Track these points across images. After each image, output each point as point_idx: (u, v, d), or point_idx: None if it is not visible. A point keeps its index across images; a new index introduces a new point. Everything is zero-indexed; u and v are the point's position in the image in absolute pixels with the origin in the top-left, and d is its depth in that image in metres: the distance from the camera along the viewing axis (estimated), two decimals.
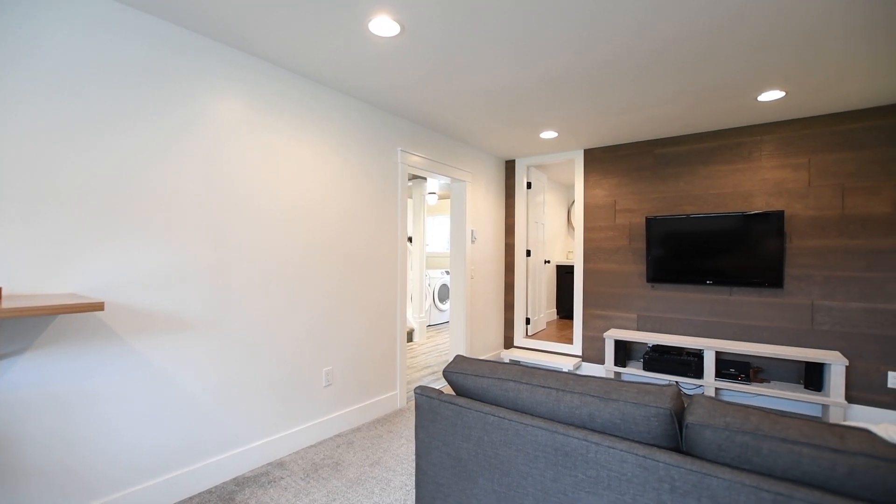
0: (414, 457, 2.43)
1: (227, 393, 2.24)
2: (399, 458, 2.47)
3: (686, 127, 3.56)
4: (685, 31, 2.03)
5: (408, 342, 5.60)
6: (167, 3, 1.83)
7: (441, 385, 3.86)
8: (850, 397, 3.13)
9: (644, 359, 3.65)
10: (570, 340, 4.90)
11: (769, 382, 3.33)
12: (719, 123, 3.46)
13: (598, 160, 4.23)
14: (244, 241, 2.31)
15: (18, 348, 1.59)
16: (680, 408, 1.11)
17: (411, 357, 4.87)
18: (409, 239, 7.92)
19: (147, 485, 1.93)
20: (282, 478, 2.26)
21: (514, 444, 1.27)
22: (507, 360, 4.46)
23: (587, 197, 4.30)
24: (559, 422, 1.23)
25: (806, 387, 3.17)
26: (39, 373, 1.65)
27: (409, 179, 5.98)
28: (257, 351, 2.38)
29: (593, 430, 1.17)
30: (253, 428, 2.36)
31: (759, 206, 3.46)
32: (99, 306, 1.43)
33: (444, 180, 4.07)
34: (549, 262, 5.64)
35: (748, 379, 3.31)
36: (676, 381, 3.55)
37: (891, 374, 3.00)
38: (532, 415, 1.29)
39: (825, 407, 3.10)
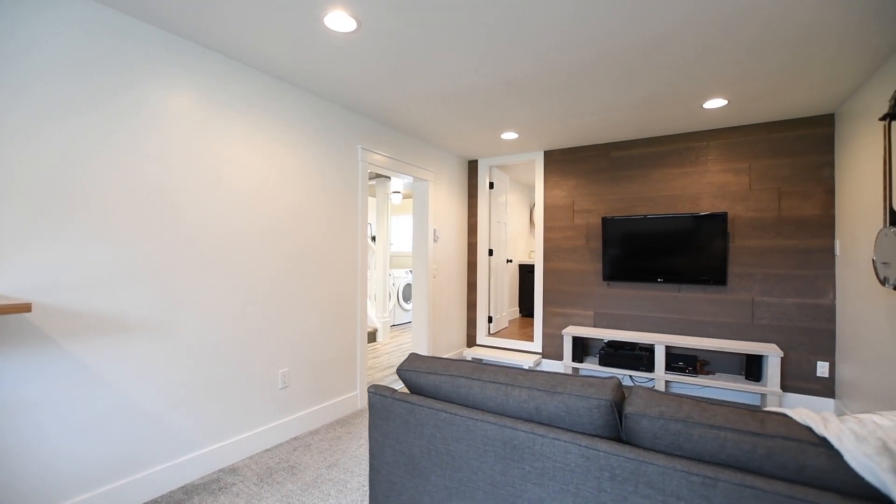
0: None
1: (174, 397, 2.15)
2: (358, 459, 2.45)
3: (640, 132, 3.71)
4: (631, 40, 2.12)
5: (371, 342, 5.55)
6: None
7: (402, 385, 3.84)
8: (785, 386, 3.36)
9: (600, 354, 3.78)
10: (531, 338, 5.00)
11: (714, 374, 3.52)
12: (670, 129, 3.63)
13: (558, 162, 4.34)
14: (194, 240, 2.22)
15: None
16: (620, 399, 1.15)
17: (374, 357, 4.83)
18: (373, 238, 7.84)
19: (85, 497, 1.82)
20: (233, 484, 2.19)
21: (465, 440, 1.29)
22: (470, 359, 4.50)
23: (547, 197, 4.41)
24: (508, 416, 1.26)
25: (747, 378, 3.38)
26: None
27: (373, 178, 5.93)
28: (207, 353, 2.29)
29: (540, 423, 1.21)
30: (203, 433, 2.27)
31: (705, 207, 3.65)
32: (25, 307, 1.34)
33: (408, 179, 4.06)
34: (511, 261, 5.74)
35: (695, 371, 3.48)
36: (630, 375, 3.70)
37: (819, 363, 3.24)
38: (483, 410, 1.31)
39: (763, 396, 3.31)
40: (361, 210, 3.30)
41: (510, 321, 6.32)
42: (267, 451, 2.55)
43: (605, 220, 3.96)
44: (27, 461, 1.68)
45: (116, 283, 1.92)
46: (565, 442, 1.12)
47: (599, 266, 4.10)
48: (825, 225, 3.24)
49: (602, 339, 4.00)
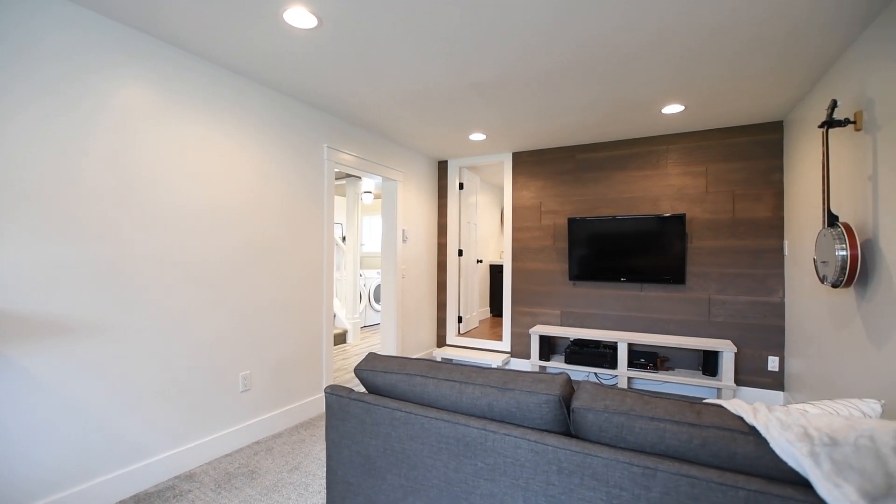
0: None
1: (126, 402, 2.07)
2: (320, 462, 2.41)
3: (604, 135, 3.81)
4: (585, 44, 2.17)
5: (341, 343, 5.48)
6: None
7: None
8: (739, 380, 3.51)
9: (566, 352, 3.85)
10: (500, 337, 5.05)
11: (674, 370, 3.65)
12: (631, 133, 3.74)
13: (526, 163, 4.40)
14: (149, 238, 2.14)
15: None
16: (569, 394, 1.18)
17: (343, 358, 4.77)
18: (343, 238, 7.75)
19: None
20: (189, 490, 2.12)
21: (419, 438, 1.29)
22: (440, 359, 4.51)
23: (515, 198, 4.46)
24: (462, 413, 1.27)
25: (704, 373, 3.51)
26: None
27: (343, 178, 5.86)
28: (164, 356, 2.21)
29: (493, 420, 1.22)
30: (158, 439, 2.19)
31: (665, 209, 3.78)
32: None
33: (377, 179, 4.03)
34: (481, 261, 5.78)
35: (656, 368, 3.60)
36: (595, 373, 3.79)
37: (770, 358, 3.41)
38: (437, 408, 1.31)
39: (719, 390, 3.45)
40: (327, 209, 3.26)
41: (481, 321, 6.37)
42: (227, 455, 2.49)
43: (570, 221, 4.04)
44: None
45: (61, 285, 1.83)
46: (515, 437, 1.14)
47: (566, 266, 4.18)
48: (775, 226, 3.41)
49: (568, 338, 4.08)
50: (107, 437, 2.00)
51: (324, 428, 2.88)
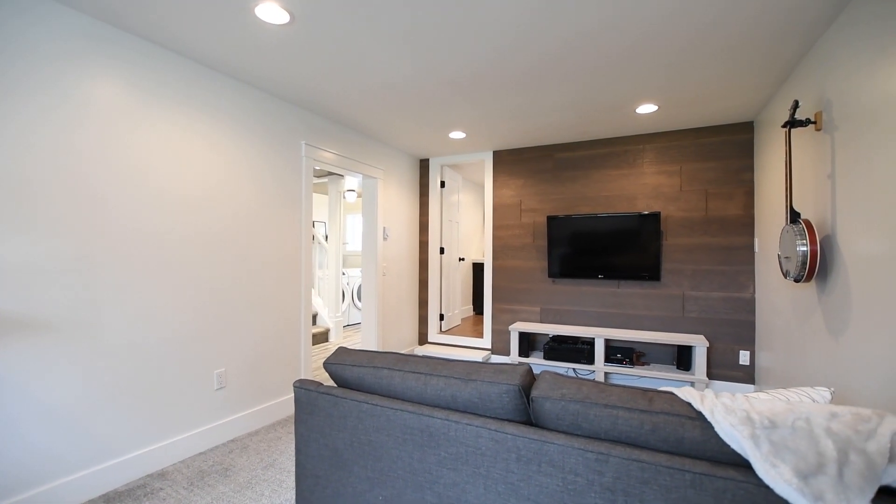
0: None
1: (97, 400, 2.04)
2: None
3: (582, 134, 3.86)
4: (557, 48, 2.21)
5: (323, 342, 5.46)
6: None
7: None
8: (711, 374, 3.60)
9: (545, 349, 3.90)
10: (482, 335, 5.09)
11: (649, 365, 3.72)
12: (608, 132, 3.80)
13: (506, 162, 4.44)
14: (120, 235, 2.11)
15: None
16: (529, 384, 1.21)
17: (324, 356, 4.75)
18: (326, 237, 7.71)
19: None
20: (161, 489, 2.10)
21: (385, 430, 1.31)
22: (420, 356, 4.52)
23: (496, 197, 4.50)
24: (427, 405, 1.29)
25: (678, 367, 3.59)
26: None
27: (325, 176, 5.83)
28: (135, 353, 2.19)
29: (456, 410, 1.24)
30: (129, 437, 2.17)
31: (641, 207, 3.85)
32: None
33: (358, 177, 4.02)
34: (463, 259, 5.81)
35: (632, 363, 3.67)
36: (574, 368, 3.84)
37: (742, 352, 3.50)
38: (403, 400, 1.33)
39: (692, 384, 3.53)
40: (306, 207, 3.25)
41: (463, 319, 6.40)
42: (201, 454, 2.47)
43: (550, 219, 4.09)
44: None
45: (29, 281, 1.80)
46: (476, 427, 1.16)
47: (545, 263, 4.23)
48: (746, 224, 3.50)
49: (547, 334, 4.13)
50: (76, 435, 1.97)
51: None
